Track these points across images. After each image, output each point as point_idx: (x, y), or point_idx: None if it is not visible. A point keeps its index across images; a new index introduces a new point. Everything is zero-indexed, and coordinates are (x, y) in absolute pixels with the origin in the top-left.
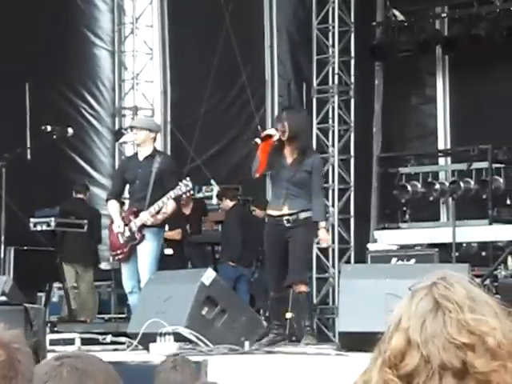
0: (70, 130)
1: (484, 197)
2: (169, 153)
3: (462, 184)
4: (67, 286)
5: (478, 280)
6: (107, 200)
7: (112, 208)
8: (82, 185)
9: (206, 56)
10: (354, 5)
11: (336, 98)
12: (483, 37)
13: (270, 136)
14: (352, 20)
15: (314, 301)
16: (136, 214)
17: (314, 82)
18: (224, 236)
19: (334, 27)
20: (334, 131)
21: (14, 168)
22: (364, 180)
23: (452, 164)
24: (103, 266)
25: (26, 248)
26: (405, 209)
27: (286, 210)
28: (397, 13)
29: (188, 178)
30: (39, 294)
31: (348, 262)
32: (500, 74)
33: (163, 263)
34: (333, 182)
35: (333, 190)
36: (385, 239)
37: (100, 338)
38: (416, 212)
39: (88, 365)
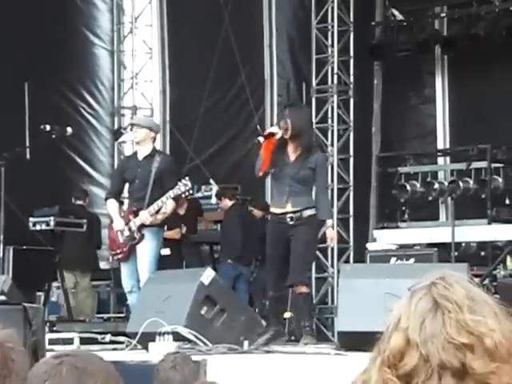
0: (69, 130)
1: (483, 196)
2: (168, 152)
3: (461, 184)
4: (66, 285)
5: (477, 280)
6: (106, 199)
7: (111, 207)
8: (82, 191)
9: (206, 55)
10: (354, 4)
11: (335, 97)
12: (482, 37)
13: (272, 134)
14: (351, 20)
15: (313, 300)
16: (135, 214)
17: (314, 82)
18: (223, 235)
19: (333, 27)
20: (333, 131)
21: (13, 167)
22: (363, 180)
23: (451, 164)
24: (102, 265)
25: (25, 247)
26: (404, 208)
27: (289, 208)
28: (396, 12)
29: (187, 178)
30: (38, 293)
31: (347, 261)
32: (499, 73)
33: (161, 263)
34: (332, 181)
35: (332, 190)
36: (384, 239)
37: (99, 337)
38: (415, 211)
39: (88, 363)
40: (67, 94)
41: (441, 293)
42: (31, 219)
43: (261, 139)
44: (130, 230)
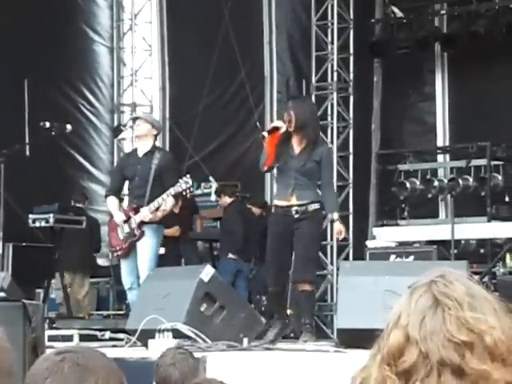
0: (69, 127)
1: (483, 194)
2: (167, 149)
3: (460, 181)
4: (65, 282)
5: (477, 277)
6: (106, 196)
7: (111, 204)
8: (81, 194)
9: (205, 52)
10: (353, 2)
11: (335, 94)
12: (482, 34)
13: (277, 128)
14: (351, 17)
15: None
16: (136, 211)
17: (313, 79)
18: (223, 232)
19: (333, 24)
20: (332, 128)
21: (13, 164)
22: (363, 177)
23: (451, 161)
24: (102, 262)
25: (24, 244)
26: (403, 206)
27: (294, 201)
28: (396, 10)
29: (188, 175)
30: (38, 290)
31: (346, 258)
32: (499, 71)
33: (159, 261)
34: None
35: None
36: (383, 236)
37: (98, 334)
38: (415, 209)
39: (89, 360)
40: (67, 90)
41: (441, 290)
42: (31, 216)
43: (265, 134)
44: (130, 226)
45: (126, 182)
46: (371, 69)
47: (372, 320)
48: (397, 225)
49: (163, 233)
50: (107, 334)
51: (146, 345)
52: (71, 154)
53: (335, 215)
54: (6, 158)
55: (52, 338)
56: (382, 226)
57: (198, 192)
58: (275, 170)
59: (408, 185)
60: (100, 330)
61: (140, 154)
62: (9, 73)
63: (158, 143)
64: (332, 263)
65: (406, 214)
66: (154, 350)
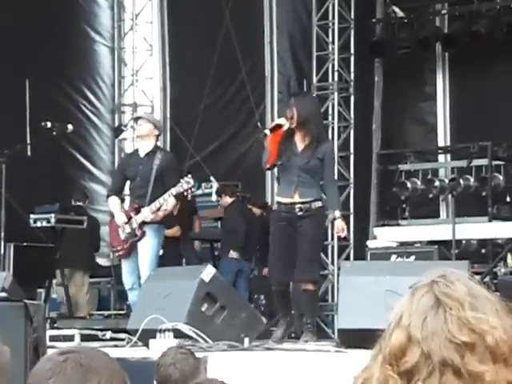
0: (70, 127)
1: (484, 194)
2: (168, 149)
3: (461, 181)
4: (67, 282)
5: (478, 277)
6: (108, 196)
7: (113, 204)
8: (81, 193)
9: (206, 52)
10: (354, 1)
11: (336, 94)
12: (483, 34)
13: (279, 126)
14: (352, 17)
15: None
16: (137, 211)
17: (314, 79)
18: (224, 231)
19: (333, 24)
20: (333, 128)
21: (14, 164)
22: (364, 177)
23: (452, 161)
24: (103, 262)
25: (25, 244)
26: (404, 206)
27: (297, 198)
28: (397, 9)
29: (190, 176)
30: (39, 290)
31: (347, 258)
32: (500, 70)
33: (159, 261)
34: None
35: None
36: (384, 236)
37: (100, 334)
38: (415, 209)
39: (92, 360)
40: (68, 90)
41: (442, 290)
42: (32, 216)
43: (267, 132)
44: (131, 226)
45: (128, 183)
46: (372, 69)
47: (373, 320)
48: (398, 225)
49: (164, 233)
50: (108, 334)
51: (147, 345)
52: (72, 154)
53: (337, 213)
54: (7, 158)
55: (53, 338)
56: (383, 226)
57: (199, 192)
58: (276, 169)
59: (409, 185)
60: (101, 330)
61: (142, 154)
62: (10, 73)
63: (159, 143)
64: (333, 263)
65: (406, 214)
66: (155, 350)
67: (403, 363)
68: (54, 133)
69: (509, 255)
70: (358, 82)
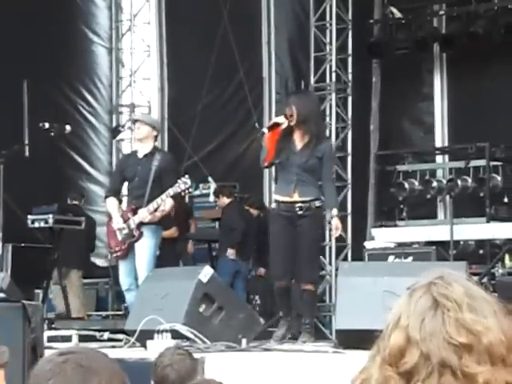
0: (68, 127)
1: (481, 195)
2: (166, 150)
3: (459, 182)
4: (65, 283)
5: (476, 278)
6: (106, 197)
7: (111, 205)
8: (78, 192)
9: (204, 53)
10: (352, 2)
11: (333, 95)
12: (481, 34)
13: (277, 124)
14: (350, 17)
15: None
16: (135, 212)
17: (312, 80)
18: (223, 231)
19: (331, 25)
20: (331, 129)
21: (12, 165)
22: (361, 178)
23: (449, 162)
24: (101, 263)
25: (23, 245)
26: (402, 206)
27: (296, 197)
28: (394, 10)
29: (187, 176)
30: (37, 290)
31: (345, 259)
32: (498, 71)
33: (156, 262)
34: None
35: None
36: (382, 237)
37: (97, 334)
38: (413, 210)
39: (92, 361)
40: (66, 91)
41: (440, 291)
42: (30, 217)
43: (265, 131)
44: (128, 227)
45: (126, 183)
46: (370, 69)
47: (371, 321)
48: (395, 225)
49: (162, 234)
50: (106, 335)
51: (144, 345)
52: (70, 154)
53: (334, 211)
54: (5, 159)
55: (51, 339)
56: (381, 226)
57: (197, 193)
58: (274, 167)
59: (407, 185)
60: (99, 331)
61: (140, 155)
62: (8, 73)
63: (157, 143)
64: (331, 264)
65: (404, 214)
66: (153, 351)
67: (402, 364)
68: (52, 133)
69: (507, 256)
70: (355, 82)
